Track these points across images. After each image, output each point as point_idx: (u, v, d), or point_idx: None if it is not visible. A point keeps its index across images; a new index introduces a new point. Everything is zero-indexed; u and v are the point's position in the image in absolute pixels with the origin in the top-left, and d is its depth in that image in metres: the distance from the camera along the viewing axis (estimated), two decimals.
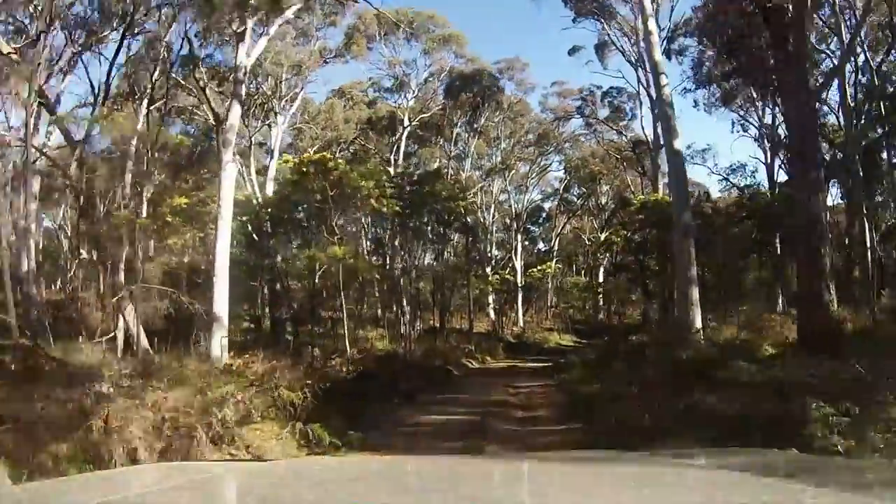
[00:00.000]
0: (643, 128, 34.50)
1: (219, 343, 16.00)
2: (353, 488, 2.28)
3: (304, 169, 17.97)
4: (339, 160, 17.87)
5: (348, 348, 17.18)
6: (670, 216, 27.90)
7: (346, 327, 18.40)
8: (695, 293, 15.56)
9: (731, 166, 33.41)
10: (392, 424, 10.25)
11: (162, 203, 31.59)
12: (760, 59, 31.70)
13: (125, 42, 22.94)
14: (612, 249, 36.30)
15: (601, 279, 49.93)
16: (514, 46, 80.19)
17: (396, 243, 30.15)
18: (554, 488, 2.25)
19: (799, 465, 2.54)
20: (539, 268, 45.47)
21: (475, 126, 41.96)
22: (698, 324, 15.45)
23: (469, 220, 31.58)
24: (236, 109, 20.68)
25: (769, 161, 34.57)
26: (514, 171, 47.66)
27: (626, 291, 34.12)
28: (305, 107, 40.45)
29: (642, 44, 28.71)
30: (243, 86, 22.30)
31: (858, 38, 20.71)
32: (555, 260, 47.61)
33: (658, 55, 17.39)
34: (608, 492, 2.13)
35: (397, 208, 20.06)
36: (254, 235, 27.94)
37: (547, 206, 54.72)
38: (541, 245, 58.04)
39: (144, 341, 15.23)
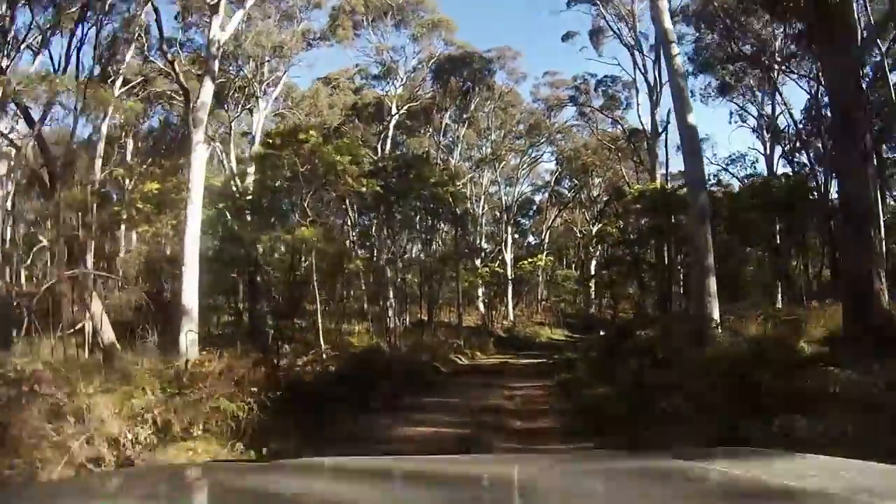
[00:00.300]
0: (639, 116, 32.56)
1: (185, 337, 14.67)
2: (355, 488, 2.20)
3: (272, 141, 15.82)
4: (312, 132, 15.69)
5: (322, 345, 15.07)
6: (670, 204, 26.17)
7: (319, 321, 16.26)
8: (712, 284, 13.58)
9: (730, 156, 31.48)
10: (365, 441, 8.18)
11: (134, 189, 29.44)
12: (763, 42, 30.03)
13: (99, 20, 21.12)
14: (605, 242, 34.30)
15: (593, 272, 48.06)
16: (506, 35, 77.52)
17: (383, 233, 28.09)
18: (553, 489, 2.15)
19: (800, 466, 2.25)
20: (530, 260, 43.48)
21: (465, 116, 39.92)
22: (717, 317, 13.49)
23: (458, 209, 29.48)
24: (209, 86, 19.02)
25: (769, 152, 32.73)
26: (504, 163, 45.69)
27: (622, 285, 32.11)
28: (289, 92, 38.27)
29: (648, 16, 26.72)
30: (217, 61, 20.51)
31: None
32: (545, 253, 45.54)
33: (668, 22, 15.40)
34: (608, 492, 2.07)
35: (378, 188, 17.93)
36: (232, 224, 26.46)
37: (538, 198, 52.87)
38: (531, 238, 56.18)
39: (110, 335, 13.97)
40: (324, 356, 14.65)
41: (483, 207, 45.58)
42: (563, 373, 15.40)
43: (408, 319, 37.96)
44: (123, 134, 33.70)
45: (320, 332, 15.65)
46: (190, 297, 15.29)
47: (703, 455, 2.58)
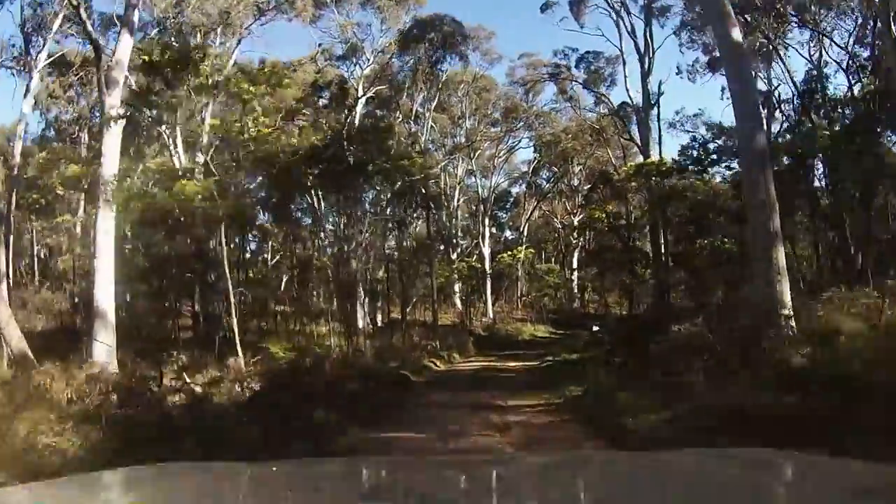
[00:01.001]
0: (627, 90, 28.32)
1: (102, 346, 12.24)
2: (356, 488, 2.18)
3: (152, 59, 11.25)
4: (211, 48, 11.20)
5: (240, 357, 10.47)
6: (673, 183, 22.06)
7: (235, 322, 11.65)
8: (781, 256, 9.33)
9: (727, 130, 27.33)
10: None
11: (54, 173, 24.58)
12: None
13: None
14: (593, 229, 30.08)
15: (575, 265, 43.93)
16: (479, 14, 72.03)
17: (343, 221, 23.56)
18: (552, 489, 2.08)
19: (800, 466, 2.15)
20: (509, 253, 39.18)
21: (435, 90, 35.37)
22: (788, 302, 9.21)
23: (428, 188, 25.04)
24: (126, 40, 15.65)
25: (766, 127, 28.75)
26: (479, 152, 41.39)
27: (613, 275, 27.98)
28: (242, 69, 33.60)
29: None
30: (136, 10, 16.48)
31: None
32: (525, 246, 41.22)
33: None
34: (608, 492, 1.99)
35: (316, 141, 13.42)
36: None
37: (515, 191, 48.63)
38: (508, 233, 51.91)
39: (20, 346, 11.78)
40: (245, 370, 10.11)
41: (458, 200, 41.23)
42: (572, 384, 10.96)
43: (379, 318, 33.68)
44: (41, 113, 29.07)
45: (237, 339, 11.00)
46: (104, 298, 12.92)
47: (703, 455, 2.48)
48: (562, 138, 39.72)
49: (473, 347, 25.72)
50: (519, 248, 39.78)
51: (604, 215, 26.92)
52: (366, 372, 14.81)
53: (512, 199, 49.35)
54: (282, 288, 36.13)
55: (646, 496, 1.89)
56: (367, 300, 32.58)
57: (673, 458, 2.42)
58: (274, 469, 2.49)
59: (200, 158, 24.09)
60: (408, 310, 35.10)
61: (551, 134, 39.81)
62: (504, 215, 50.72)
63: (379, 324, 32.67)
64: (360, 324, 31.33)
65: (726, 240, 18.83)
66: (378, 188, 19.71)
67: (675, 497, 1.86)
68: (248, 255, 39.64)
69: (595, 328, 23.37)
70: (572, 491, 2.06)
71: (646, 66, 26.14)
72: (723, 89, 29.85)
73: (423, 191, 23.97)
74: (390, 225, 28.16)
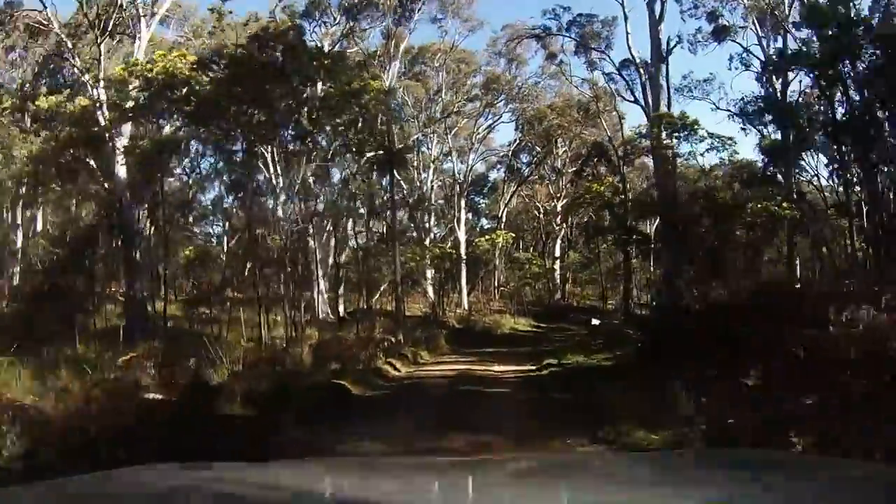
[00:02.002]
0: (630, 47, 22.65)
1: None
2: (356, 488, 2.05)
3: None
4: None
5: None
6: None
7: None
8: None
9: (742, 99, 22.01)
10: None
11: None
12: None
13: None
14: (591, 205, 24.54)
15: (557, 254, 38.50)
16: None
17: (279, 181, 17.73)
18: (551, 489, 1.96)
19: (801, 466, 2.12)
20: (487, 237, 33.60)
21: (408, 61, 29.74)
22: None
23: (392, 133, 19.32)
24: None
25: (781, 98, 23.48)
26: (456, 130, 35.72)
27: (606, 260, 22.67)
28: (186, 16, 27.54)
29: None
30: None
31: None
32: (505, 231, 35.53)
33: None
34: (608, 492, 1.89)
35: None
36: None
37: (493, 176, 42.96)
38: (485, 221, 46.23)
39: None
40: None
41: (432, 180, 35.48)
42: (625, 413, 5.33)
43: (342, 308, 28.06)
44: None
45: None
46: None
47: (703, 455, 2.43)
48: (547, 114, 34.26)
49: (446, 343, 20.06)
50: (498, 232, 34.16)
51: (602, 188, 21.40)
52: (284, 379, 9.20)
53: (490, 184, 43.69)
54: (246, 272, 30.36)
55: (646, 496, 1.83)
56: (326, 286, 26.98)
57: (673, 458, 2.35)
58: (274, 469, 2.43)
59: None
60: (374, 299, 29.58)
61: (535, 109, 34.30)
62: (481, 201, 45.17)
63: (342, 313, 27.08)
64: (321, 313, 25.94)
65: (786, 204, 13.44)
66: (315, 111, 13.84)
67: (675, 497, 1.76)
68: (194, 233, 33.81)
69: (595, 321, 17.96)
70: (572, 491, 1.92)
71: (656, 11, 20.67)
72: (731, 58, 24.73)
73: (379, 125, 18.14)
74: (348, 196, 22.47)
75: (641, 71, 21.89)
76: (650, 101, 21.10)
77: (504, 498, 1.90)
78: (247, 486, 2.02)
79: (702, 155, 17.16)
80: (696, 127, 16.39)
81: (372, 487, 2.04)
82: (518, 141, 38.25)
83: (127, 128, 18.61)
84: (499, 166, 41.98)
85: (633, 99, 22.71)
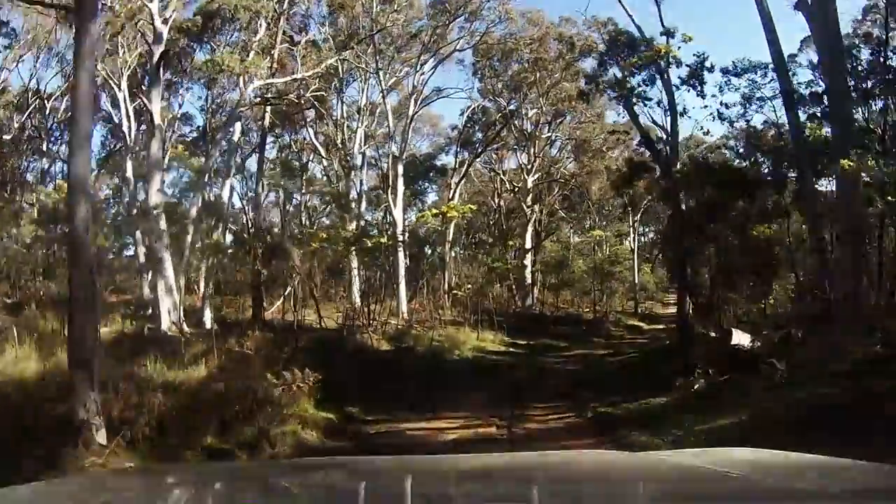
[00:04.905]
0: None
1: None
2: (355, 487, 1.97)
3: None
4: None
5: None
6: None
7: None
8: None
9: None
10: None
11: None
12: None
13: None
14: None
15: (529, 245, 28.00)
16: None
17: None
18: (552, 489, 1.92)
19: (801, 466, 1.99)
20: (435, 211, 22.98)
21: None
22: None
23: None
24: None
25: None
26: (396, 78, 25.00)
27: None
28: None
29: None
30: None
31: None
32: (461, 203, 24.51)
33: None
34: (608, 491, 1.84)
35: None
36: None
37: (440, 163, 32.34)
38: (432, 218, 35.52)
39: None
40: None
41: (360, 142, 24.49)
42: None
43: (210, 316, 17.05)
44: None
45: None
46: None
47: (703, 455, 2.34)
48: (518, 46, 24.02)
49: (359, 389, 9.12)
50: (450, 204, 23.36)
51: None
52: None
53: (438, 166, 32.92)
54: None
55: (646, 496, 1.79)
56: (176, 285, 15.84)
57: (673, 458, 2.26)
58: (274, 469, 2.36)
59: None
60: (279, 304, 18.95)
61: (501, 36, 23.94)
62: (429, 187, 34.49)
63: (210, 324, 16.15)
64: (166, 323, 15.18)
65: None
66: None
67: (675, 497, 1.73)
68: None
69: (743, 340, 7.57)
70: (573, 491, 1.86)
71: None
72: None
73: None
74: None
75: None
76: None
77: (503, 497, 1.83)
78: (247, 485, 1.97)
79: None
80: None
81: (368, 487, 1.95)
82: (473, 108, 27.84)
83: None
84: (447, 149, 31.60)
85: None
